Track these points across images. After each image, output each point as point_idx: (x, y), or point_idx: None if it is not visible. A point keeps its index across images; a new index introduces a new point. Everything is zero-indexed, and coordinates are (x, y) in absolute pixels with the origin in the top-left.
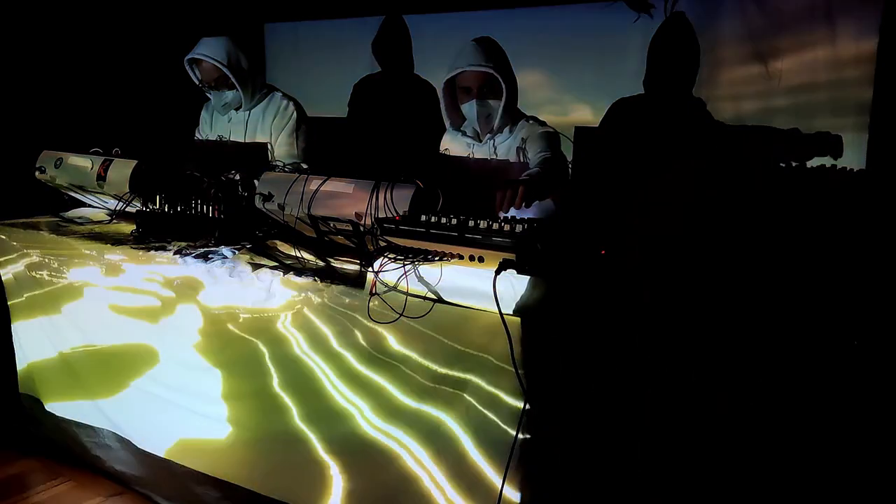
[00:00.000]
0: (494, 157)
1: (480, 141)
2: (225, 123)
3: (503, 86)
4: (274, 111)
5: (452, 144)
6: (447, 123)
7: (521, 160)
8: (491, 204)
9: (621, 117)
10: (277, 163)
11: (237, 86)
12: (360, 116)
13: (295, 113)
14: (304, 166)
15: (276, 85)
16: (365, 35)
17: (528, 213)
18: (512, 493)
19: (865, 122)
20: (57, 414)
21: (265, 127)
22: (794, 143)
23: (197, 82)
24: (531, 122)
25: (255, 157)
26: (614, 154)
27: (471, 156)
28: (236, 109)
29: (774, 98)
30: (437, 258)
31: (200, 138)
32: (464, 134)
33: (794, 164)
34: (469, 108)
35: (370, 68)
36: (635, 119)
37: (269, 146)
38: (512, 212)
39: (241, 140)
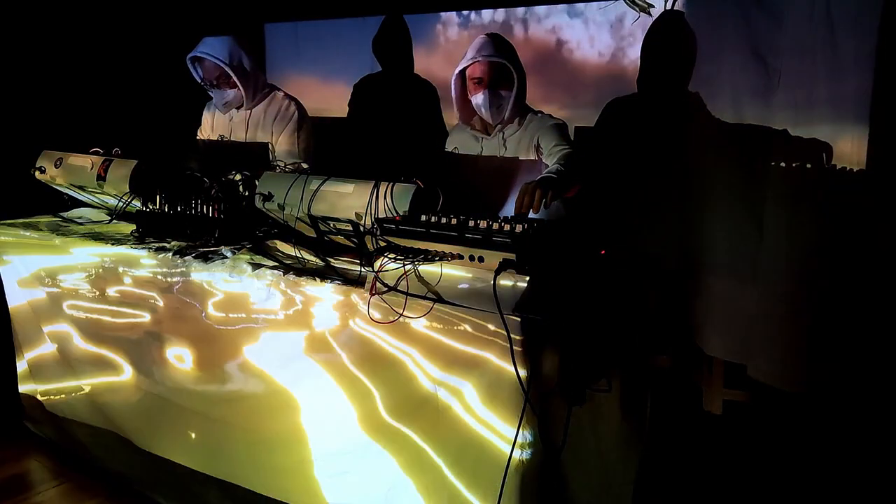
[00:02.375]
0: (504, 150)
1: (489, 134)
2: (226, 123)
3: (514, 76)
4: (275, 111)
5: (460, 141)
6: (457, 116)
7: (537, 157)
8: (497, 201)
9: (617, 117)
10: (278, 163)
11: (238, 85)
12: (362, 116)
13: (296, 113)
14: (305, 166)
15: (276, 85)
16: (365, 35)
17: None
18: (512, 494)
19: (865, 122)
20: (57, 414)
21: (266, 126)
22: (783, 146)
23: (199, 80)
24: (539, 115)
25: (255, 157)
26: (612, 154)
27: (481, 150)
28: (238, 108)
29: (773, 97)
30: (437, 258)
31: (202, 138)
32: (472, 128)
33: (783, 164)
34: (482, 99)
35: (370, 68)
36: (632, 117)
37: (269, 146)
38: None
39: (242, 139)
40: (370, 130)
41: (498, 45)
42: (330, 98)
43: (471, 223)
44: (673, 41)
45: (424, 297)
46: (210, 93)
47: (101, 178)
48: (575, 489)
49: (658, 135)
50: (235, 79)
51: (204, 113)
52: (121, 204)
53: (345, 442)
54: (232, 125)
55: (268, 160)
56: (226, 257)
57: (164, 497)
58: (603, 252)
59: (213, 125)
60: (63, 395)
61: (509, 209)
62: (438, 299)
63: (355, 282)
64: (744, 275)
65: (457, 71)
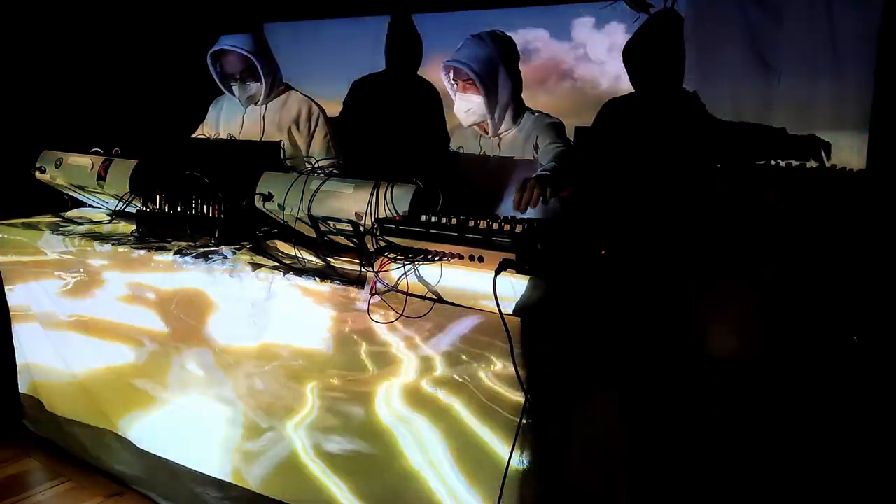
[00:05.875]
0: (498, 149)
1: (487, 133)
2: (238, 120)
3: (479, 81)
4: (297, 111)
5: (463, 140)
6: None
7: (535, 157)
8: (494, 201)
9: (615, 116)
10: (309, 159)
11: (262, 77)
12: (363, 115)
13: (320, 113)
14: (341, 162)
15: (290, 84)
16: (366, 35)
17: (529, 213)
18: (512, 495)
19: (865, 122)
20: (57, 414)
21: (286, 126)
22: (781, 143)
23: (217, 79)
24: (536, 114)
25: (268, 155)
26: (611, 154)
27: (480, 150)
28: (255, 103)
29: (773, 97)
30: (437, 258)
31: (205, 136)
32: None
33: (781, 163)
34: (458, 102)
35: (370, 68)
36: (629, 117)
37: (282, 146)
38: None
39: (256, 137)
40: (372, 129)
41: (472, 48)
42: (328, 98)
43: (471, 223)
44: (663, 40)
45: (424, 298)
46: (231, 88)
47: (101, 178)
48: (575, 489)
49: (655, 134)
50: (260, 69)
51: (210, 108)
52: (121, 204)
53: (344, 442)
54: (245, 120)
55: (279, 159)
56: (226, 257)
57: (164, 497)
58: (603, 252)
59: (219, 122)
60: (63, 395)
61: (506, 208)
62: (438, 299)
63: (355, 281)
64: (744, 274)
65: (442, 66)
